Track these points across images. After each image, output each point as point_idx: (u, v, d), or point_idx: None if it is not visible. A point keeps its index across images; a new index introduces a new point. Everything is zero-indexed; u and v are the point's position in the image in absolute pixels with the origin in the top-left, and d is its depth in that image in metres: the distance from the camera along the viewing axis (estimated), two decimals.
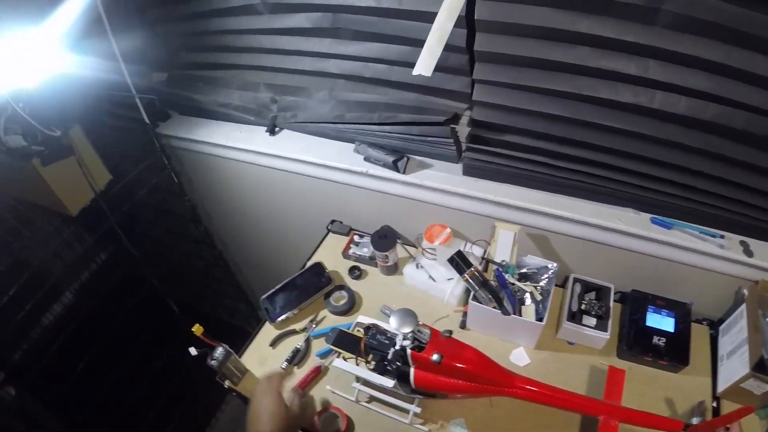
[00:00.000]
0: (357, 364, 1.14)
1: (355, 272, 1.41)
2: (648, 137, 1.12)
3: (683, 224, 1.22)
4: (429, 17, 0.98)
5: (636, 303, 1.29)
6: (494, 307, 1.15)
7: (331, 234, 1.56)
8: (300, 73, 1.40)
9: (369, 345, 1.10)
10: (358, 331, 1.19)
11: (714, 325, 1.35)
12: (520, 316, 1.16)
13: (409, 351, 1.02)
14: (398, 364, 1.05)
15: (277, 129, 1.54)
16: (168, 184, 1.82)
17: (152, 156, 1.71)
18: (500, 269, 1.18)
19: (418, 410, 1.12)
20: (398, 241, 1.39)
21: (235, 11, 1.32)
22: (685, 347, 1.24)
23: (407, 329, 1.03)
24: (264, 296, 1.38)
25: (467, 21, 1.05)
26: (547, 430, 1.13)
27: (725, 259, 1.22)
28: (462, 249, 1.23)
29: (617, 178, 1.19)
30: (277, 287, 1.39)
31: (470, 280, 1.15)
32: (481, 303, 1.17)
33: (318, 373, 1.25)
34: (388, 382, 1.09)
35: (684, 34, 0.95)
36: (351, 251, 1.45)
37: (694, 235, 1.21)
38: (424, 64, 0.95)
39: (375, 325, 1.15)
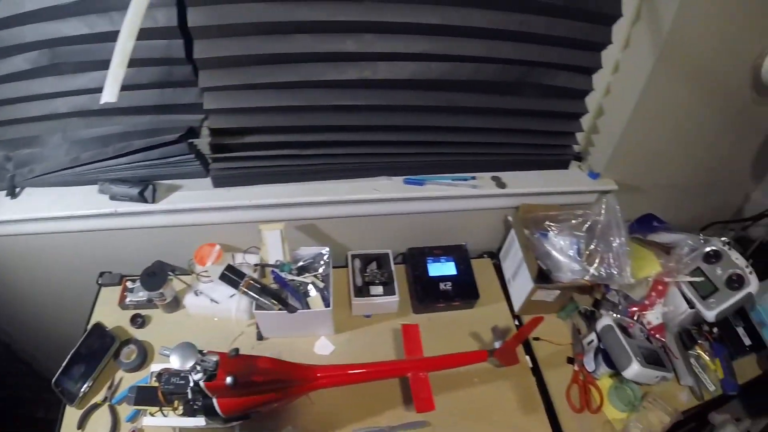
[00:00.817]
0: (166, 416, 1.06)
1: (138, 320, 1.30)
2: (381, 107, 1.19)
3: (435, 177, 1.32)
4: (146, 33, 0.92)
5: (415, 259, 1.38)
6: (279, 309, 1.14)
7: (103, 288, 1.42)
8: (30, 120, 1.24)
9: (166, 392, 1.02)
10: (156, 381, 1.11)
11: (494, 256, 1.50)
12: (308, 308, 1.17)
13: (202, 383, 0.97)
14: (202, 399, 1.00)
15: (18, 189, 1.35)
16: None
17: None
18: (276, 270, 1.18)
19: None
20: (171, 274, 1.31)
21: None
22: (472, 283, 1.36)
23: (190, 363, 0.97)
24: (54, 379, 1.22)
25: (182, 30, 1.01)
26: (374, 404, 1.16)
27: (482, 197, 1.35)
28: (232, 262, 1.20)
29: (363, 151, 1.25)
30: (64, 364, 1.23)
31: (248, 291, 1.12)
32: (265, 309, 1.15)
33: None
34: (200, 422, 1.03)
35: (394, 3, 1.00)
36: (128, 300, 1.33)
37: (447, 184, 1.32)
38: (109, 91, 0.88)
39: (166, 369, 1.08)
